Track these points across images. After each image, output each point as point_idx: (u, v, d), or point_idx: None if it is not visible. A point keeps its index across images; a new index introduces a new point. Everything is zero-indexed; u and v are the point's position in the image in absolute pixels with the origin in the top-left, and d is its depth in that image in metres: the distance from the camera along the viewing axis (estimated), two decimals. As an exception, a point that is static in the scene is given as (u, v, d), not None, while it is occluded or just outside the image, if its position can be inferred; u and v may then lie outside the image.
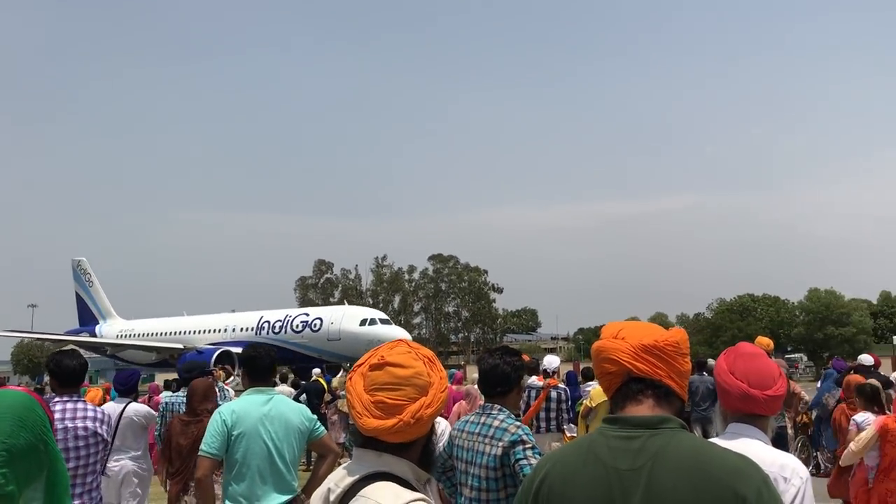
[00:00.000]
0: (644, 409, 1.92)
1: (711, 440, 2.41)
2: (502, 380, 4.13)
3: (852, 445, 6.38)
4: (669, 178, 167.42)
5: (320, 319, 37.31)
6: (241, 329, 40.52)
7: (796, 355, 63.38)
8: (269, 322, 39.66)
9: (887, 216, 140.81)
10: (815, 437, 11.80)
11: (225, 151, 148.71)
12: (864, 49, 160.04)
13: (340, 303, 60.00)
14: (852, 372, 10.50)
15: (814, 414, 11.64)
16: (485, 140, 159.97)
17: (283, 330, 38.36)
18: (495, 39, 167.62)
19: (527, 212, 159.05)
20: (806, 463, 10.41)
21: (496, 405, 4.09)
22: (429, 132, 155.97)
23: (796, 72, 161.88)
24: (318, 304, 66.36)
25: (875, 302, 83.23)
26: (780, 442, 6.57)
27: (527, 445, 3.83)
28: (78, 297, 51.41)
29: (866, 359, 11.61)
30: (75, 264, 51.66)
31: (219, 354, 33.92)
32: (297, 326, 37.86)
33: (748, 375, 2.65)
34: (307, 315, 38.81)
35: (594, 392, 9.19)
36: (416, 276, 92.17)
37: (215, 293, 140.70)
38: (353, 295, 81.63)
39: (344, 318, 36.32)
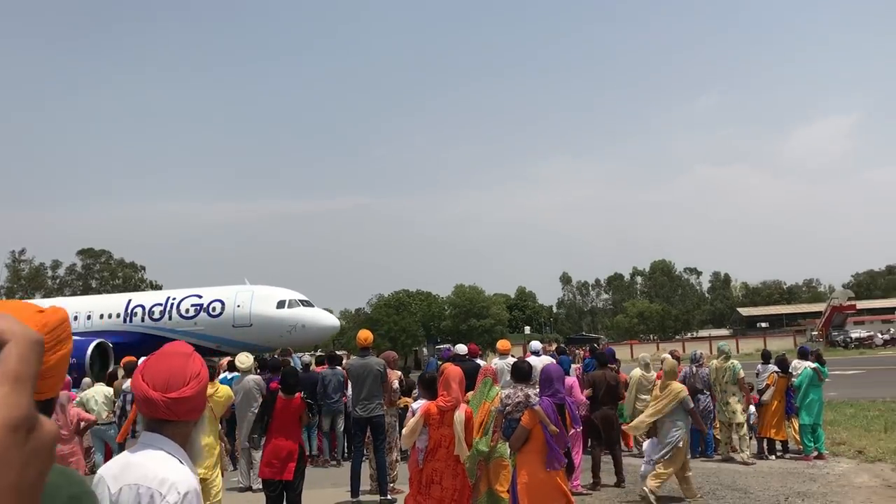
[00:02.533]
0: None
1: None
2: None
3: (404, 430, 6.91)
4: (338, 181, 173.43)
5: (220, 302, 30.28)
6: (104, 316, 32.10)
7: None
8: (142, 307, 31.63)
9: (528, 220, 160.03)
10: None
11: None
12: (526, 63, 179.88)
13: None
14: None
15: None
16: (153, 128, 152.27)
17: (166, 316, 30.91)
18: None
19: (192, 207, 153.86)
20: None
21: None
22: (87, 115, 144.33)
23: (463, 85, 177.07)
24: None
25: (513, 296, 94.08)
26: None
27: None
28: None
29: (461, 348, 12.65)
30: None
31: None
32: (187, 311, 30.67)
33: (154, 377, 2.39)
34: (199, 297, 31.11)
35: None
36: (61, 272, 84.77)
37: None
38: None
39: (254, 300, 29.85)
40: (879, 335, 58.91)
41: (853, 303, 65.30)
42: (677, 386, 9.61)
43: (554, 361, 12.45)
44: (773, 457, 12.10)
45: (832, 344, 55.25)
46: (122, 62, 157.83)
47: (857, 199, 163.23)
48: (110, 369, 18.30)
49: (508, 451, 6.90)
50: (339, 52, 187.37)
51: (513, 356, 13.25)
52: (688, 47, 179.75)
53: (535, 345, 14.38)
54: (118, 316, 31.89)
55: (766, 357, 13.09)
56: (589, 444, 11.44)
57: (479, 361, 12.87)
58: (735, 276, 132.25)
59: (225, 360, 14.25)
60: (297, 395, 8.29)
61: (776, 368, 12.48)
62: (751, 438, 12.80)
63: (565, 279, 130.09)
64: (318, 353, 18.46)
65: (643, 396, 12.82)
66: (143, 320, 31.29)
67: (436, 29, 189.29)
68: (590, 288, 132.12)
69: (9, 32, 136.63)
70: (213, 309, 30.32)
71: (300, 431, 8.50)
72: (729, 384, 12.07)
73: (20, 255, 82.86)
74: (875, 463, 11.05)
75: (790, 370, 12.43)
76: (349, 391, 11.89)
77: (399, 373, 12.47)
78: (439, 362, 14.27)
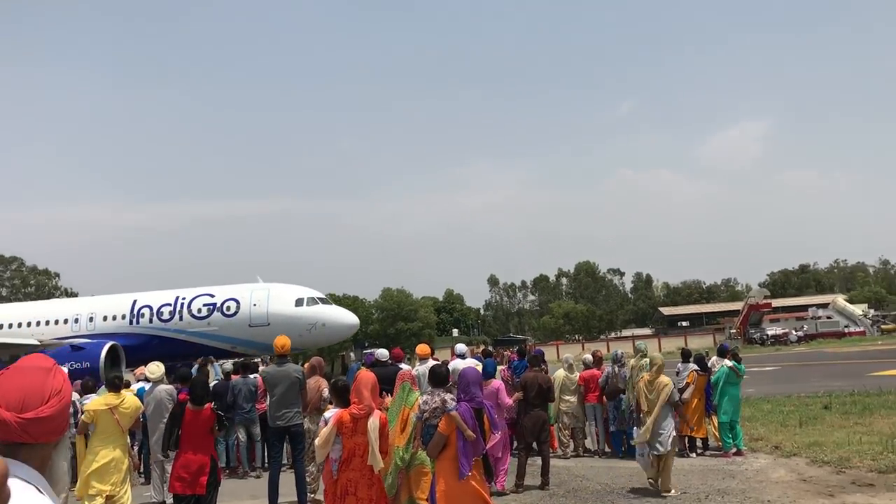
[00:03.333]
0: None
1: None
2: None
3: (317, 441, 6.71)
4: (263, 183, 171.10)
5: (235, 301, 28.66)
6: (108, 318, 29.87)
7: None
8: (150, 307, 29.52)
9: (456, 223, 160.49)
10: None
11: None
12: (451, 69, 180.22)
13: None
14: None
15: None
16: (67, 131, 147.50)
17: (176, 316, 29.07)
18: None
19: (109, 211, 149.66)
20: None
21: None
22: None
23: (390, 89, 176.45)
24: None
25: (441, 299, 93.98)
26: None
27: None
28: None
29: (382, 353, 12.39)
30: None
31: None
32: (200, 311, 28.89)
33: (8, 394, 2.04)
34: (211, 296, 29.31)
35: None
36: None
37: None
38: None
39: (271, 298, 28.53)
40: (794, 332, 61.02)
41: (769, 301, 67.50)
42: (664, 379, 9.92)
43: (478, 364, 12.41)
44: (694, 454, 12.25)
45: (750, 341, 56.91)
46: (24, 62, 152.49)
47: (771, 201, 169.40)
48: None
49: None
50: (267, 56, 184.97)
51: (434, 359, 13.09)
52: (609, 54, 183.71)
53: (461, 348, 14.22)
54: (123, 317, 29.88)
55: (685, 356, 13.25)
56: (515, 445, 11.38)
57: (402, 366, 12.65)
58: (657, 276, 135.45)
59: (141, 369, 13.66)
60: (206, 406, 7.96)
61: (695, 367, 12.64)
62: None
63: (493, 281, 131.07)
64: (238, 361, 17.89)
65: (567, 397, 12.83)
66: (151, 321, 29.44)
67: (362, 34, 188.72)
68: (517, 290, 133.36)
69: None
70: (228, 308, 28.82)
71: (212, 443, 8.16)
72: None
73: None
74: (791, 458, 11.27)
75: (710, 368, 12.62)
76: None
77: (323, 380, 12.15)
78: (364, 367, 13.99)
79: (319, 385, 10.66)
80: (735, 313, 72.28)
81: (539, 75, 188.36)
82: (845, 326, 63.38)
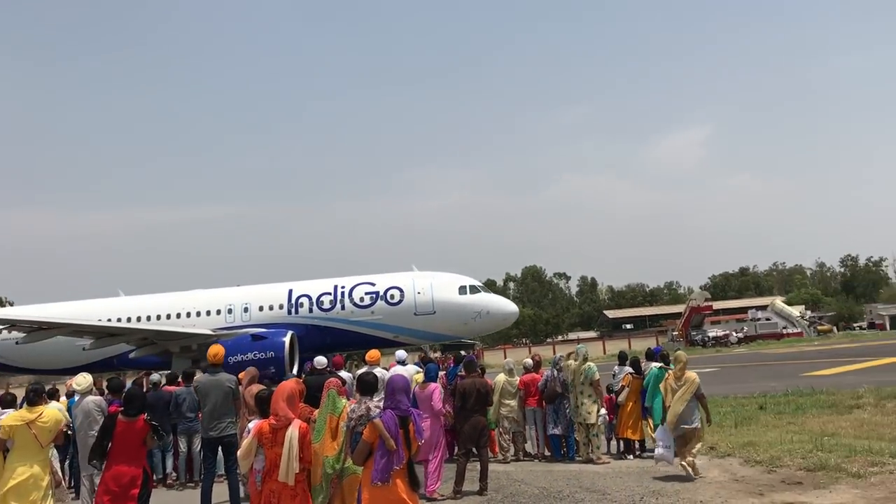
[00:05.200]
0: None
1: None
2: None
3: (239, 452, 6.71)
4: (211, 189, 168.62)
5: (398, 289, 27.62)
6: (264, 307, 28.60)
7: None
8: (308, 297, 28.32)
9: (404, 228, 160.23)
10: None
11: None
12: (398, 74, 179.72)
13: None
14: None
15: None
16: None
17: (338, 305, 27.85)
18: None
19: (47, 218, 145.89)
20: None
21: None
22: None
23: (338, 95, 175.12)
24: None
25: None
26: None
27: None
28: None
29: (320, 361, 12.13)
30: None
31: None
32: (362, 300, 27.74)
33: None
34: (371, 284, 28.22)
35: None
36: None
37: None
38: None
39: (435, 286, 27.46)
40: (734, 334, 62.32)
41: (710, 303, 68.70)
42: (691, 374, 10.65)
43: (419, 371, 12.36)
44: (631, 456, 12.37)
45: (692, 343, 57.86)
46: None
47: (712, 205, 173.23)
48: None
49: None
50: (214, 60, 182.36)
51: (383, 368, 13.03)
52: (557, 61, 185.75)
53: (401, 354, 14.18)
54: (281, 307, 28.60)
55: (622, 358, 13.39)
56: (455, 451, 11.34)
57: (343, 374, 12.52)
58: (602, 280, 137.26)
59: (70, 381, 13.22)
60: (140, 417, 7.74)
61: (630, 370, 12.80)
62: (610, 440, 13.06)
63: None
64: (168, 372, 17.42)
65: (507, 402, 12.84)
66: (311, 311, 28.22)
67: (308, 39, 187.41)
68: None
69: None
70: (392, 297, 27.82)
71: (144, 455, 7.93)
72: (585, 386, 12.25)
73: None
74: (725, 458, 11.46)
75: (643, 371, 12.77)
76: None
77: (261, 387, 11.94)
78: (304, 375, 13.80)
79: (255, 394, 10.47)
80: (677, 315, 73.49)
81: (488, 80, 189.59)
82: (783, 328, 64.97)
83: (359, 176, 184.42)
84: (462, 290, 27.90)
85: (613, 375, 13.12)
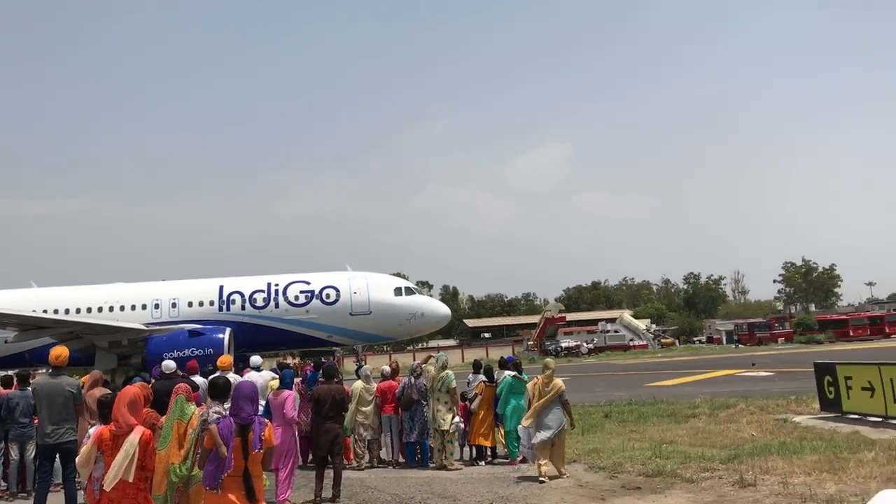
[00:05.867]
0: None
1: None
2: None
3: (77, 459, 6.45)
4: (66, 183, 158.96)
5: (335, 289, 27.07)
6: (194, 303, 27.16)
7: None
8: (241, 294, 27.19)
9: (268, 232, 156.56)
10: None
11: None
12: (264, 79, 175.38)
13: None
14: None
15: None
16: None
17: (272, 303, 27.06)
18: None
19: None
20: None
21: None
22: None
23: (202, 96, 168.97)
24: None
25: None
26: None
27: None
28: None
29: (168, 365, 11.70)
30: None
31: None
32: (297, 298, 27.06)
33: None
34: (306, 283, 27.45)
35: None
36: None
37: None
38: None
39: (371, 286, 27.15)
40: (585, 345, 64.97)
41: (564, 315, 71.32)
42: (558, 381, 11.45)
43: (275, 377, 12.15)
44: (483, 463, 12.64)
45: (546, 353, 59.67)
46: None
47: (569, 221, 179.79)
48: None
49: None
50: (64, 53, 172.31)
51: (234, 375, 12.68)
52: (425, 72, 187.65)
53: (256, 360, 13.89)
54: (212, 303, 27.44)
55: (476, 367, 13.66)
56: (310, 459, 11.19)
57: (197, 379, 12.13)
58: (462, 289, 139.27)
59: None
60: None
61: (484, 378, 13.10)
62: (463, 447, 13.29)
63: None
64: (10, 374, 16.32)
65: (363, 409, 12.83)
66: (243, 308, 27.28)
67: (184, 41, 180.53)
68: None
69: None
70: (327, 296, 27.36)
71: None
72: (442, 393, 12.43)
73: None
74: (571, 464, 11.87)
75: (495, 379, 13.10)
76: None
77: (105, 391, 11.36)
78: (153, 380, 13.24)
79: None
80: (534, 326, 75.68)
81: (354, 88, 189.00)
82: (630, 340, 68.30)
83: (221, 178, 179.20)
84: (398, 291, 28.14)
85: (468, 383, 13.37)
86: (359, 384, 12.97)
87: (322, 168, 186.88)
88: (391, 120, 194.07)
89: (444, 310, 29.91)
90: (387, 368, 13.78)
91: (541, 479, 10.67)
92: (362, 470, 12.56)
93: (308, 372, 14.07)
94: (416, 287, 29.66)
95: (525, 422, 11.34)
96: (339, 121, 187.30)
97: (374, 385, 13.15)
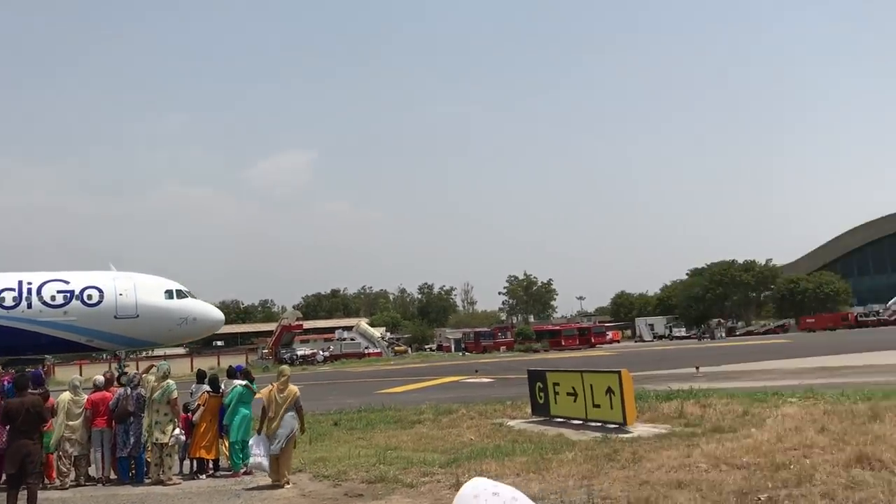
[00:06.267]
0: None
1: None
2: None
3: None
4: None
5: (98, 290, 24.15)
6: None
7: None
8: None
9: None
10: None
11: None
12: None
13: None
14: None
15: None
16: None
17: (23, 303, 23.80)
18: None
19: None
20: None
21: None
22: None
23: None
24: None
25: None
26: None
27: None
28: None
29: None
30: None
31: None
32: (54, 298, 23.87)
33: None
34: (65, 282, 24.07)
35: None
36: None
37: None
38: None
39: (138, 288, 24.73)
40: (321, 352, 65.14)
41: (301, 322, 71.03)
42: (293, 388, 11.45)
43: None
44: (204, 476, 12.11)
45: (281, 361, 58.93)
46: None
47: (310, 228, 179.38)
48: None
49: None
50: None
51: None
52: (156, 64, 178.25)
53: None
54: None
55: (200, 376, 13.12)
56: (3, 479, 10.06)
57: None
58: (196, 294, 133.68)
59: None
60: None
61: (208, 388, 12.60)
62: (183, 460, 12.65)
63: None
64: None
65: (71, 422, 11.80)
66: None
67: None
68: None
69: None
70: (89, 297, 24.73)
71: None
72: (162, 404, 11.78)
73: None
74: (297, 474, 11.75)
75: (222, 389, 12.65)
76: None
77: None
78: None
79: None
80: (270, 333, 74.50)
81: (89, 74, 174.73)
82: (366, 348, 69.61)
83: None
84: (168, 294, 26.87)
85: (191, 394, 12.78)
86: (66, 395, 11.92)
87: (38, 155, 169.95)
88: (124, 111, 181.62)
89: (218, 314, 29.59)
90: (100, 378, 12.78)
91: (283, 484, 10.73)
92: (66, 489, 11.51)
93: (7, 383, 12.64)
94: (187, 290, 28.07)
95: (262, 430, 11.10)
96: (56, 104, 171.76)
97: (84, 396, 12.12)
